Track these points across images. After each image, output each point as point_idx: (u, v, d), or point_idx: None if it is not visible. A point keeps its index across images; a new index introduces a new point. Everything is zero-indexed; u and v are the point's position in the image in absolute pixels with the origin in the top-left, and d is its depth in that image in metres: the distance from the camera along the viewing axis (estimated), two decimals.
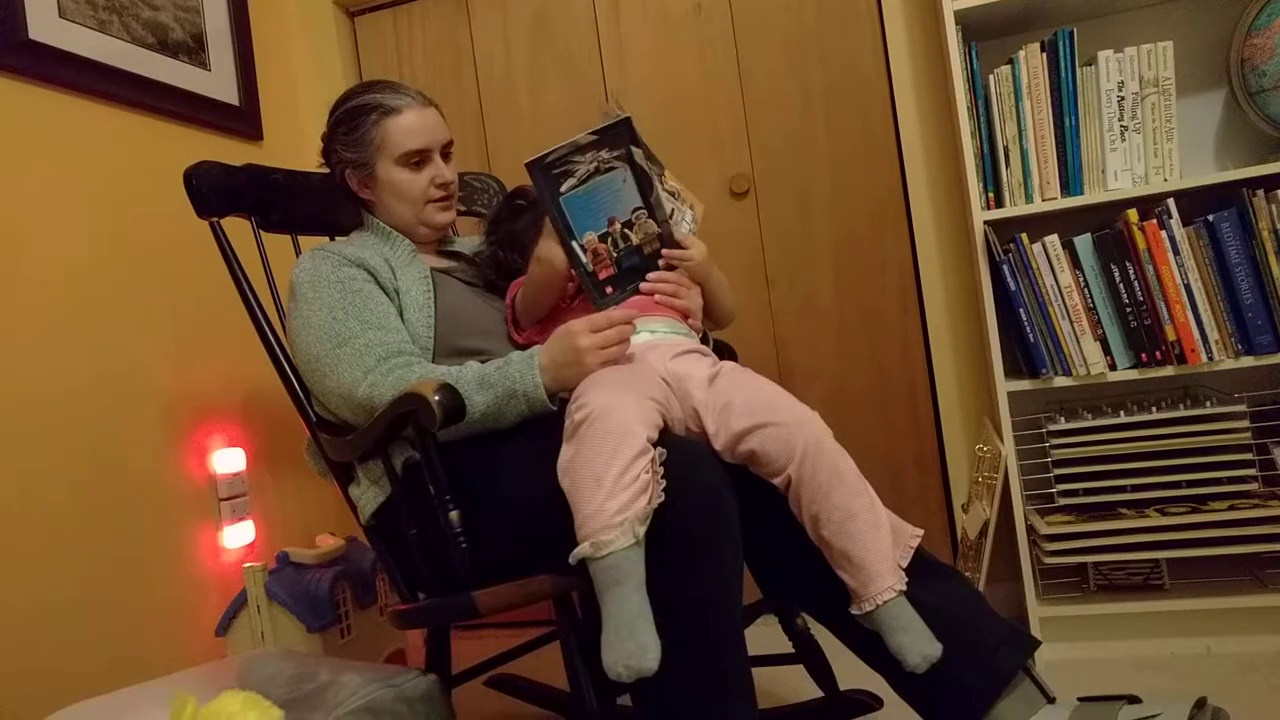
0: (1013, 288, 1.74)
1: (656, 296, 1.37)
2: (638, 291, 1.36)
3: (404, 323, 1.37)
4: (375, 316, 1.33)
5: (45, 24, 1.65)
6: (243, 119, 2.14)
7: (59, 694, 1.47)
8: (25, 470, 1.52)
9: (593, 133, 1.27)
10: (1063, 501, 1.79)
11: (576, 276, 1.33)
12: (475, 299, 1.48)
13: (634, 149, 1.29)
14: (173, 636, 1.74)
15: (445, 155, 1.49)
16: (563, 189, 1.28)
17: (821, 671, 1.49)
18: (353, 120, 1.44)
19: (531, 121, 2.34)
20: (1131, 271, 1.70)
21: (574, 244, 1.30)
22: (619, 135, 1.28)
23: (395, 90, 1.45)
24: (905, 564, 1.15)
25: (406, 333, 1.35)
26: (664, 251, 1.36)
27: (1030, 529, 1.80)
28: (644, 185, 1.31)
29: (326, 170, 1.53)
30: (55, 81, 1.67)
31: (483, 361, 1.30)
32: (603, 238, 1.32)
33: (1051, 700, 1.16)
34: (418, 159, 1.45)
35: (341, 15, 2.45)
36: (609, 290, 1.33)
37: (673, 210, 1.38)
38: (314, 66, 2.40)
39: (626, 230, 1.33)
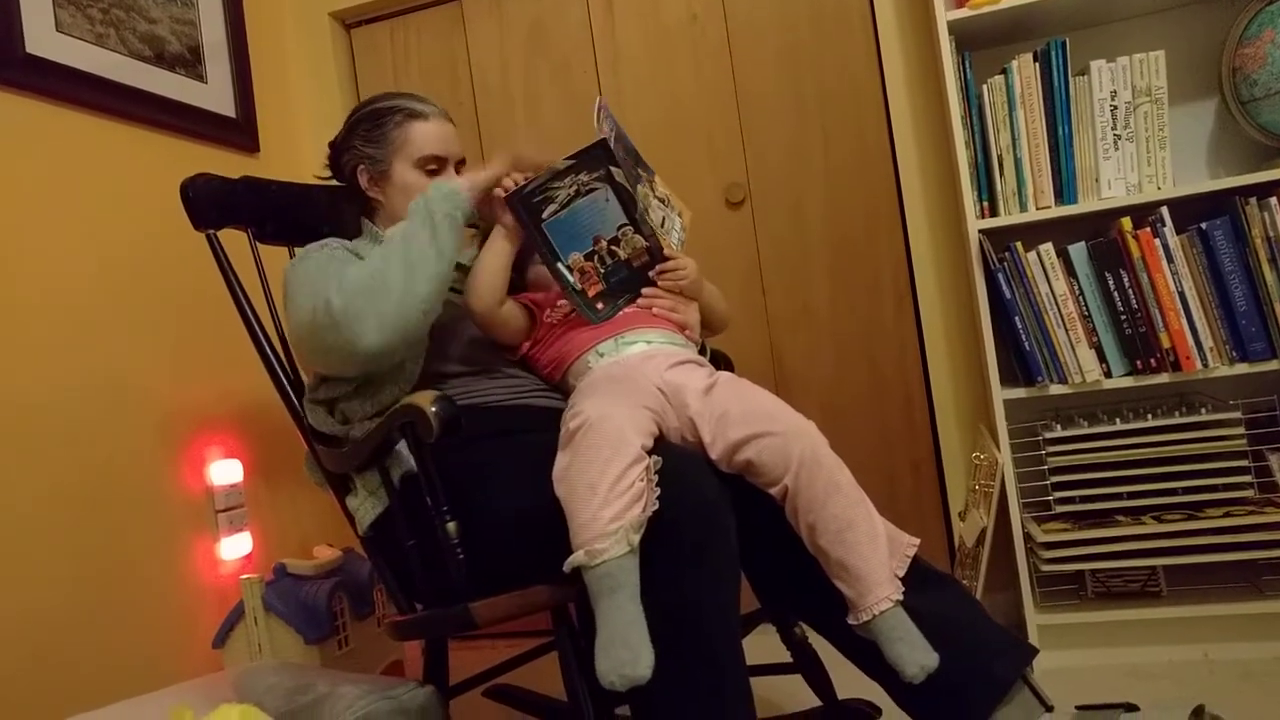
0: (1008, 296, 1.75)
1: (654, 310, 1.37)
2: (631, 303, 1.37)
3: None
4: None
5: (43, 38, 1.65)
6: (239, 131, 2.14)
7: (54, 707, 1.47)
8: (20, 481, 1.52)
9: (570, 158, 1.29)
10: (1060, 509, 1.79)
11: (567, 298, 1.33)
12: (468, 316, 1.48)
13: (613, 169, 1.29)
14: (169, 649, 1.73)
15: (458, 171, 1.51)
16: (544, 215, 1.29)
17: (820, 681, 1.49)
18: (377, 119, 1.47)
19: (527, 132, 2.35)
20: (1126, 279, 1.71)
21: (560, 265, 1.31)
22: (596, 158, 1.29)
23: (421, 99, 1.50)
24: (902, 573, 1.15)
25: None
26: (658, 268, 1.37)
27: (1027, 536, 1.80)
28: (627, 203, 1.32)
29: (324, 181, 1.54)
30: (53, 95, 1.68)
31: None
32: (589, 256, 1.33)
33: (1049, 709, 1.16)
34: (434, 165, 1.47)
35: (338, 27, 2.45)
36: (600, 306, 1.34)
37: (664, 218, 1.38)
38: (310, 79, 2.41)
39: (614, 247, 1.34)
